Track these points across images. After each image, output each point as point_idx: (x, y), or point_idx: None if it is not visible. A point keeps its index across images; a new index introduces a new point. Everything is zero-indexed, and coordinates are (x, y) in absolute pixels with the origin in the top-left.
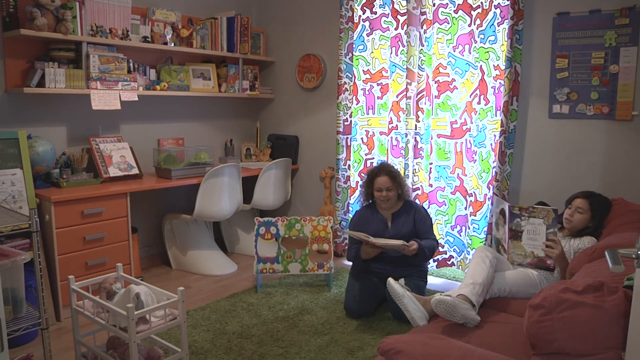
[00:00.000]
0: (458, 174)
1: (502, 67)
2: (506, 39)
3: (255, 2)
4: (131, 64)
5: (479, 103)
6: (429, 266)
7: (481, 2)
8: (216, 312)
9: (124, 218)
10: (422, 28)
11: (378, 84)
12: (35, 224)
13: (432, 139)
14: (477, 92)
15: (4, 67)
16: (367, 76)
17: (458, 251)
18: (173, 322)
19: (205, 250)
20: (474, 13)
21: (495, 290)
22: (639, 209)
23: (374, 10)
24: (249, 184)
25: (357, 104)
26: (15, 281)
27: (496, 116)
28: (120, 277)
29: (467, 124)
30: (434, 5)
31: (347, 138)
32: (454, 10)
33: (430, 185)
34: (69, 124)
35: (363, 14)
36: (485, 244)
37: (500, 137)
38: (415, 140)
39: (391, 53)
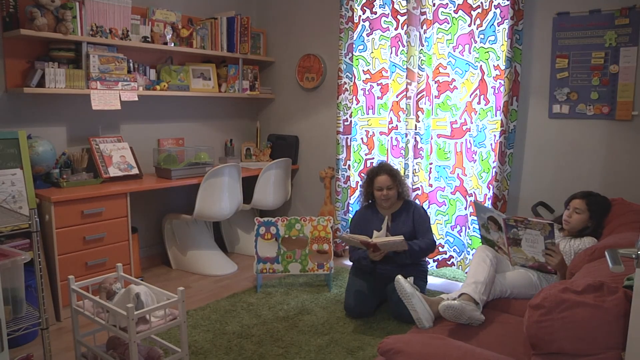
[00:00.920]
0: (458, 174)
1: (502, 67)
2: (506, 39)
3: (255, 2)
4: (131, 64)
5: (479, 103)
6: (429, 266)
7: (481, 2)
8: (216, 312)
9: (124, 218)
10: (422, 28)
11: (378, 84)
12: (35, 224)
13: (432, 139)
14: (477, 92)
15: (4, 67)
16: (367, 76)
17: (458, 251)
18: (173, 322)
19: (206, 250)
20: (474, 13)
21: (497, 291)
22: (639, 209)
23: (374, 10)
24: (249, 184)
25: (357, 104)
26: (15, 281)
27: (496, 116)
28: (120, 277)
29: (467, 124)
30: (434, 5)
31: (347, 138)
32: (454, 10)
33: (430, 185)
34: (69, 124)
35: (363, 14)
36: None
37: (500, 137)
38: (415, 140)
39: (391, 53)
